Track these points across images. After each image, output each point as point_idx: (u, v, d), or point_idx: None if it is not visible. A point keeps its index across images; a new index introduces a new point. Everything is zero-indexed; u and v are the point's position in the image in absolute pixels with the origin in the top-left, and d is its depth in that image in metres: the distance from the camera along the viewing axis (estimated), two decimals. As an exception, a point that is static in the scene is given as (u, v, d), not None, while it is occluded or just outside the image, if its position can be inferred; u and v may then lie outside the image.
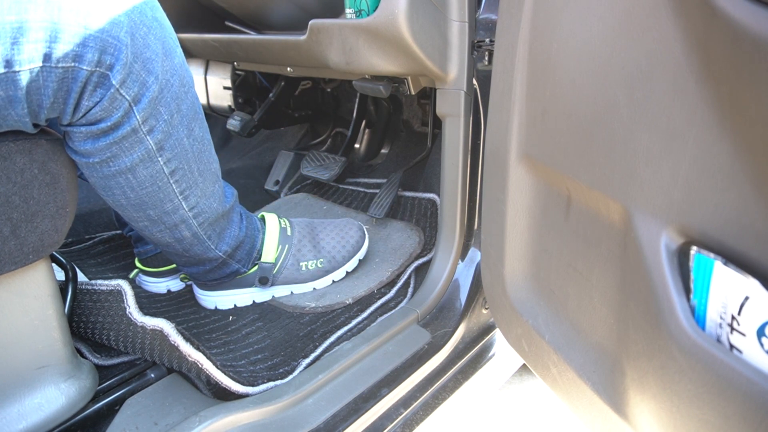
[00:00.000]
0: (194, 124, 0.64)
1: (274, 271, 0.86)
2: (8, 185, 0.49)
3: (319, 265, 0.89)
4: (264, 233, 0.86)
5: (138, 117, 0.55)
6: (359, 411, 0.65)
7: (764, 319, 0.33)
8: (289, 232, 0.88)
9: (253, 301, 0.88)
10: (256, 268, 0.85)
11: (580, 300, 0.53)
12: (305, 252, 0.88)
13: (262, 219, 0.88)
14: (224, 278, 0.84)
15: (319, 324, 0.82)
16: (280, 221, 0.89)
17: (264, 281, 0.85)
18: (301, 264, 0.88)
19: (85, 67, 0.48)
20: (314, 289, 0.90)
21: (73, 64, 0.47)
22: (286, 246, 0.87)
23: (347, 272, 0.93)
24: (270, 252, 0.85)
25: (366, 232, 0.97)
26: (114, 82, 0.51)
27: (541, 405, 1.08)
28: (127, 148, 0.57)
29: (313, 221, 0.95)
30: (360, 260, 0.95)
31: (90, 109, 0.52)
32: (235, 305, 0.87)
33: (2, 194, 0.49)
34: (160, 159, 0.61)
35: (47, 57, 0.46)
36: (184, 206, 0.68)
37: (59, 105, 0.50)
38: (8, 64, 0.44)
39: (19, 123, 0.49)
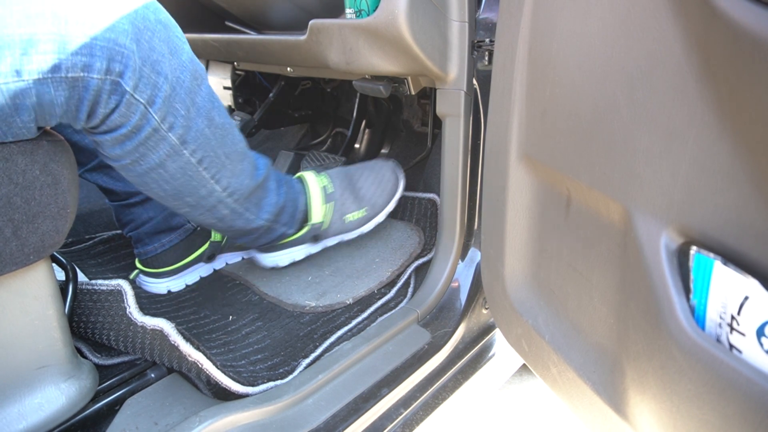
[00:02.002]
0: (213, 113, 0.66)
1: (324, 228, 0.91)
2: (10, 186, 0.49)
3: (363, 214, 0.95)
4: (308, 195, 0.89)
5: (155, 117, 0.58)
6: (359, 411, 0.65)
7: (764, 319, 0.33)
8: (330, 189, 0.92)
9: (308, 254, 0.95)
10: (307, 228, 0.89)
11: (580, 300, 0.53)
12: (348, 205, 0.93)
13: (301, 179, 0.92)
14: (274, 241, 0.88)
15: (319, 324, 0.82)
16: (318, 180, 0.92)
17: (316, 239, 0.93)
18: (346, 216, 0.93)
19: (95, 76, 0.50)
20: (360, 233, 0.97)
21: (82, 74, 0.49)
22: (331, 203, 0.91)
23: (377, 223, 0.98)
24: (317, 213, 0.90)
25: (399, 170, 1.01)
26: (127, 88, 0.53)
27: (541, 405, 1.08)
28: (152, 147, 0.60)
29: (348, 169, 0.99)
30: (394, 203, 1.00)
31: (108, 116, 0.54)
32: (293, 260, 0.94)
33: (4, 195, 0.49)
34: (185, 151, 0.63)
35: (56, 68, 0.47)
36: (218, 188, 0.71)
37: (72, 112, 0.52)
38: (18, 73, 0.46)
39: (23, 129, 0.50)
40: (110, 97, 0.52)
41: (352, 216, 0.93)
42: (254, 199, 0.78)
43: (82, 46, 0.48)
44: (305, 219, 0.89)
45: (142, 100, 0.55)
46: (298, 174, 0.94)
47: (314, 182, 0.91)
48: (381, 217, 0.98)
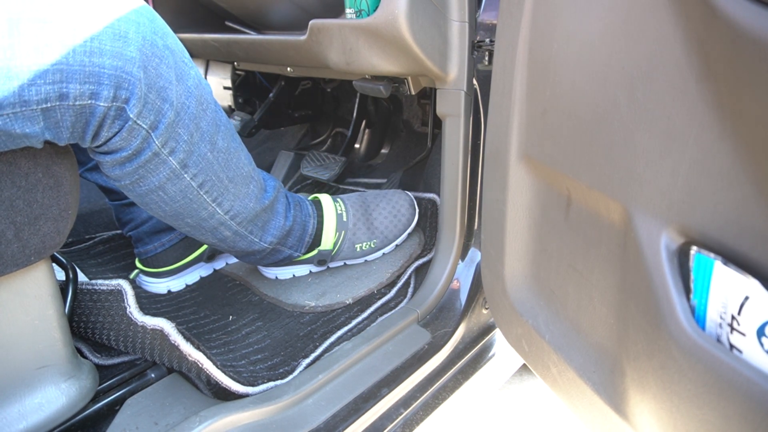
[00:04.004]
0: (217, 137, 0.66)
1: (332, 254, 0.92)
2: (12, 189, 0.49)
3: (372, 246, 0.94)
4: (321, 219, 0.89)
5: (157, 142, 0.58)
6: (359, 411, 0.65)
7: (764, 319, 0.33)
8: (345, 218, 0.92)
9: (310, 271, 0.95)
10: (314, 253, 0.90)
11: (580, 300, 0.53)
12: (360, 235, 0.93)
13: (317, 202, 0.91)
14: (279, 262, 0.88)
15: (319, 324, 0.82)
16: (335, 206, 0.92)
17: (322, 263, 0.93)
18: (356, 246, 0.93)
19: (102, 103, 0.50)
20: (365, 261, 0.97)
21: (90, 102, 0.49)
22: (343, 232, 0.91)
23: (397, 245, 0.99)
24: (328, 240, 0.90)
25: (416, 205, 1.00)
26: (131, 115, 0.53)
27: (541, 405, 1.08)
28: (152, 170, 0.60)
29: (365, 197, 0.98)
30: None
31: (110, 139, 0.55)
32: (293, 275, 0.94)
33: (6, 198, 0.49)
34: (186, 175, 0.63)
35: (64, 96, 0.48)
36: (219, 211, 0.70)
37: (78, 134, 0.52)
38: (26, 103, 0.46)
39: (30, 145, 0.50)
40: (114, 121, 0.53)
41: (363, 246, 0.93)
42: (259, 222, 0.78)
43: (90, 74, 0.48)
44: (314, 242, 0.89)
45: (144, 126, 0.55)
46: (314, 196, 0.93)
47: (330, 208, 0.91)
48: (389, 249, 0.97)
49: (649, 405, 0.43)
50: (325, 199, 0.92)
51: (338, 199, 0.94)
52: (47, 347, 0.58)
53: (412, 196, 1.00)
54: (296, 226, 0.85)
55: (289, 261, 0.89)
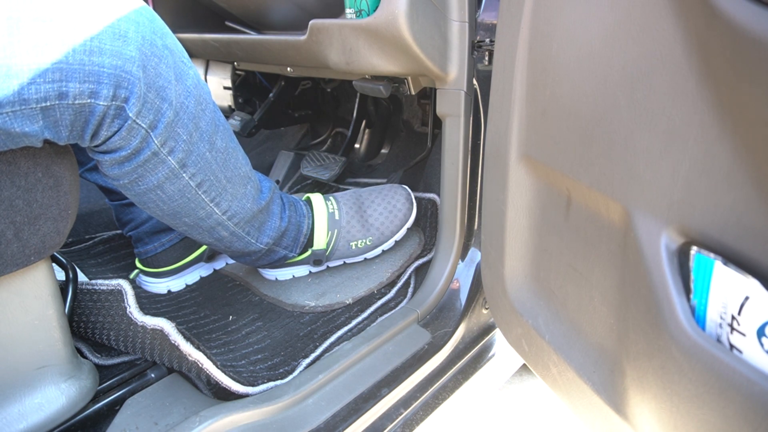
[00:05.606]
0: (215, 137, 0.66)
1: (326, 254, 0.91)
2: (12, 189, 0.49)
3: (368, 243, 0.93)
4: (312, 219, 0.88)
5: (156, 141, 0.58)
6: (359, 411, 0.65)
7: (764, 319, 0.33)
8: (337, 216, 0.90)
9: (309, 272, 0.95)
10: (308, 253, 0.89)
11: (580, 300, 0.53)
12: (354, 233, 0.91)
13: (308, 202, 0.91)
14: (275, 263, 0.88)
15: (319, 324, 0.82)
16: (327, 204, 0.91)
17: (318, 263, 0.92)
18: (351, 243, 0.91)
19: (101, 102, 0.50)
20: (365, 259, 0.96)
21: (89, 101, 0.49)
22: (336, 230, 0.90)
23: (396, 241, 0.97)
24: (320, 240, 0.89)
25: (413, 198, 0.98)
26: (130, 114, 0.53)
27: (541, 405, 1.08)
28: (151, 169, 0.60)
29: (360, 193, 0.96)
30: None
31: (109, 138, 0.55)
32: (293, 276, 0.94)
33: (6, 198, 0.49)
34: (184, 175, 0.63)
35: (64, 95, 0.48)
36: (217, 211, 0.70)
37: (77, 133, 0.52)
38: (25, 101, 0.46)
39: (28, 143, 0.50)
40: (114, 121, 0.53)
41: (358, 243, 0.92)
42: (256, 222, 0.78)
43: (90, 73, 0.48)
44: (308, 243, 0.89)
45: (144, 125, 0.55)
46: (306, 196, 0.93)
47: (321, 207, 0.90)
48: (388, 245, 0.96)
49: (649, 405, 0.43)
50: (315, 198, 0.91)
51: (330, 198, 0.93)
52: (47, 347, 0.58)
53: (408, 190, 0.98)
54: (291, 226, 0.85)
55: (284, 262, 0.89)
